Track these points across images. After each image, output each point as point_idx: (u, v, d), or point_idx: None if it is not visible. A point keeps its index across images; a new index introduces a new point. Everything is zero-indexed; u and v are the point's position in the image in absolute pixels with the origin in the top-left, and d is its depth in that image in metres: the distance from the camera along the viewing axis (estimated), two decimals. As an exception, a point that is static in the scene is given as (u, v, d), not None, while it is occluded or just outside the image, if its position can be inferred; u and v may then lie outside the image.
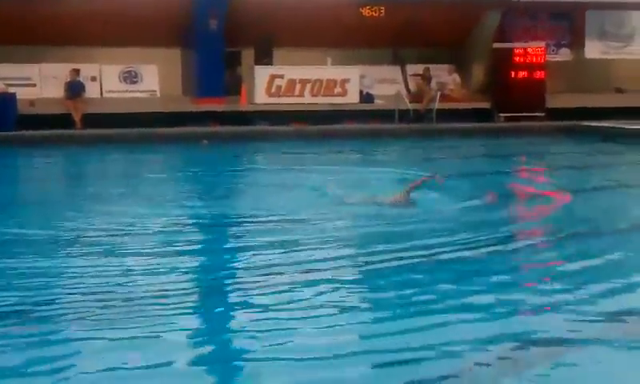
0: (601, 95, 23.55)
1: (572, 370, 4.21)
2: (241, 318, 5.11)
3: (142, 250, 6.87)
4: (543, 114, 21.06)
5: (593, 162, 14.69)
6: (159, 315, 5.00)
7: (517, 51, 21.42)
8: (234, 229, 8.19)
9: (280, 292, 5.51)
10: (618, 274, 6.07)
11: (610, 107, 21.71)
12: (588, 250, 6.94)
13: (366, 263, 6.47)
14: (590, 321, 4.94)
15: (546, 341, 4.59)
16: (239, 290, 5.76)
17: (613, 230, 7.87)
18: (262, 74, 20.79)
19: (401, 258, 6.48)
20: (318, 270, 6.09)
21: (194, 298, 5.64)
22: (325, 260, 6.44)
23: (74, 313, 5.06)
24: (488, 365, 4.20)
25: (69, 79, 19.49)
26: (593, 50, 23.60)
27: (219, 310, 5.38)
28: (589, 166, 14.23)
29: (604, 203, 9.76)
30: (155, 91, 21.82)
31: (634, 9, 23.26)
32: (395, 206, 8.45)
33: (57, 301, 5.36)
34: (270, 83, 20.70)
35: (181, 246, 7.09)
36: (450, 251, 6.69)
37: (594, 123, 19.47)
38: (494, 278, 5.99)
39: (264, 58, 21.65)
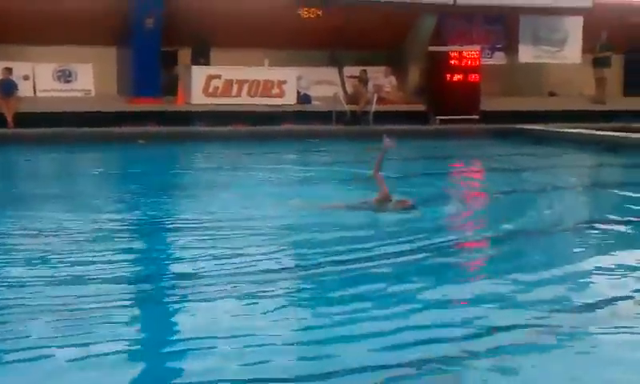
0: (534, 99, 23.97)
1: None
2: (176, 328, 5.01)
3: (68, 257, 6.57)
4: (478, 117, 21.32)
5: (526, 165, 14.92)
6: (89, 325, 4.82)
7: (452, 54, 21.64)
8: (169, 232, 8.07)
9: (217, 298, 5.43)
10: (550, 273, 6.19)
11: (544, 110, 22.10)
12: (519, 250, 7.04)
13: (303, 268, 6.45)
14: (525, 316, 5.01)
15: (484, 341, 4.62)
16: (174, 297, 5.62)
17: (544, 230, 8.00)
18: (198, 74, 20.67)
19: (335, 262, 6.49)
20: (254, 274, 6.05)
21: (126, 308, 5.41)
22: (262, 263, 6.38)
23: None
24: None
25: (0, 78, 19.11)
26: (526, 54, 23.93)
27: (152, 320, 5.24)
28: (522, 168, 14.45)
29: (536, 204, 9.91)
30: (90, 90, 21.53)
31: (566, 14, 23.66)
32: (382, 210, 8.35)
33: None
34: (207, 83, 20.60)
35: (111, 252, 6.85)
36: (383, 254, 6.71)
37: (527, 126, 19.79)
38: (425, 280, 6.02)
39: (201, 58, 21.53)
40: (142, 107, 19.56)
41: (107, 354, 4.41)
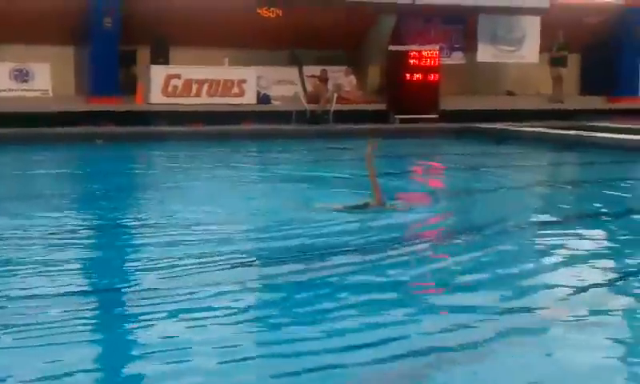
0: (493, 98, 24.17)
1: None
2: (133, 337, 4.90)
3: (22, 263, 6.30)
4: (437, 116, 21.45)
5: (486, 163, 15.04)
6: (48, 337, 4.63)
7: (411, 54, 21.74)
8: (128, 234, 7.95)
9: (176, 301, 5.37)
10: (509, 272, 6.24)
11: (502, 109, 22.28)
12: (477, 248, 7.07)
13: (270, 269, 6.43)
14: (490, 319, 5.04)
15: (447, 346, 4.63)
16: (130, 305, 5.50)
17: (503, 229, 8.05)
18: (157, 73, 20.55)
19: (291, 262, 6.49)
20: (218, 276, 6.01)
21: (85, 317, 5.18)
22: (220, 265, 6.34)
23: None
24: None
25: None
26: (485, 53, 24.11)
27: (107, 329, 5.07)
28: (482, 166, 14.57)
29: (495, 202, 10.00)
30: (47, 90, 21.28)
31: (524, 14, 23.89)
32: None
33: None
34: (166, 83, 20.48)
35: (68, 256, 6.66)
36: (340, 254, 6.69)
37: (486, 125, 19.95)
38: (391, 279, 6.03)
39: (160, 57, 21.41)
40: (101, 107, 19.40)
41: (70, 373, 4.23)
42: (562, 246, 7.32)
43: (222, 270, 6.17)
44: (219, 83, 20.97)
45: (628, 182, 12.12)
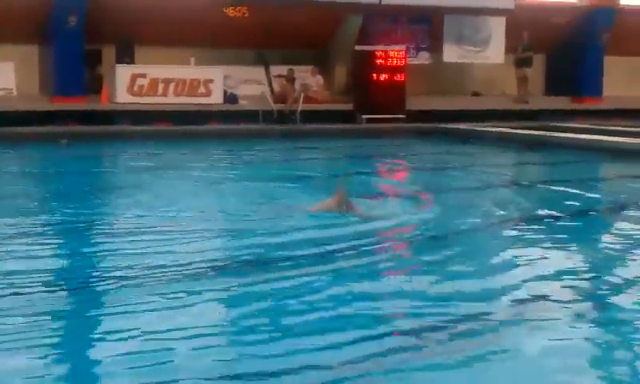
0: (459, 98, 24.33)
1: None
2: (105, 334, 4.83)
3: None
4: (403, 116, 21.54)
5: (452, 163, 15.12)
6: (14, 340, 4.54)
7: (378, 54, 21.83)
8: (92, 235, 7.85)
9: (146, 301, 5.32)
10: (471, 272, 6.28)
11: (468, 110, 22.45)
12: (440, 249, 7.09)
13: (232, 268, 6.41)
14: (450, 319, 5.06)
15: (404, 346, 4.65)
16: (101, 303, 5.44)
17: (466, 229, 8.09)
18: (123, 72, 20.43)
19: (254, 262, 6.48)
20: (183, 276, 5.98)
21: (53, 318, 5.10)
22: (191, 265, 6.29)
23: None
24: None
25: None
26: (451, 54, 24.26)
27: (78, 328, 5.04)
28: (448, 166, 14.66)
29: (461, 202, 10.05)
30: (11, 89, 21.09)
31: (490, 14, 24.06)
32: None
33: None
34: (131, 82, 20.37)
35: (32, 257, 6.58)
36: (301, 257, 6.69)
37: (451, 126, 20.07)
38: (356, 278, 6.03)
39: (125, 56, 21.28)
40: (65, 106, 19.27)
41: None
42: (522, 246, 7.38)
43: (181, 273, 6.11)
44: (186, 83, 20.90)
45: (590, 182, 12.24)
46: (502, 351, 4.53)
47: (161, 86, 20.64)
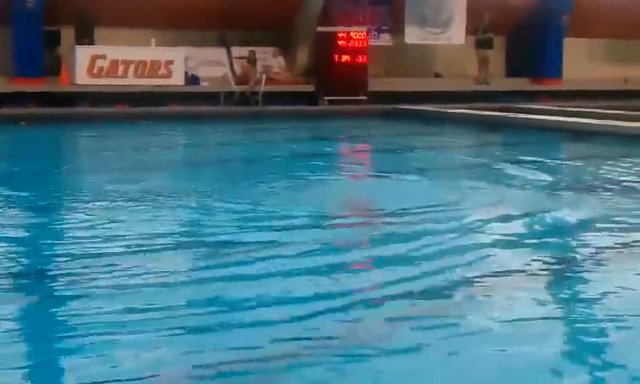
0: (420, 80, 24.37)
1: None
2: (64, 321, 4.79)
3: None
4: (365, 98, 21.58)
5: (413, 144, 15.19)
6: None
7: (340, 35, 21.81)
8: (43, 218, 7.73)
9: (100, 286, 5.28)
10: (425, 257, 6.22)
11: (429, 91, 22.53)
12: (396, 233, 7.08)
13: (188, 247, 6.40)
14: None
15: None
16: (45, 291, 5.34)
17: (425, 212, 8.09)
18: (82, 54, 20.18)
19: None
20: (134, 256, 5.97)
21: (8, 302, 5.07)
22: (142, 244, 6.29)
23: None
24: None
25: None
26: (412, 35, 24.29)
27: (33, 314, 4.97)
28: (409, 147, 14.72)
29: (418, 186, 10.06)
30: (-31, 71, 20.77)
31: (451, -5, 24.16)
32: None
33: None
34: (91, 63, 20.12)
35: None
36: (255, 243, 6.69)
37: (412, 107, 20.15)
38: (303, 260, 6.00)
39: (85, 37, 21.00)
40: (24, 88, 19.02)
41: None
42: (479, 228, 7.35)
43: (138, 248, 6.13)
44: (146, 64, 20.69)
45: (550, 162, 12.36)
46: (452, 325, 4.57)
47: (121, 68, 20.41)
